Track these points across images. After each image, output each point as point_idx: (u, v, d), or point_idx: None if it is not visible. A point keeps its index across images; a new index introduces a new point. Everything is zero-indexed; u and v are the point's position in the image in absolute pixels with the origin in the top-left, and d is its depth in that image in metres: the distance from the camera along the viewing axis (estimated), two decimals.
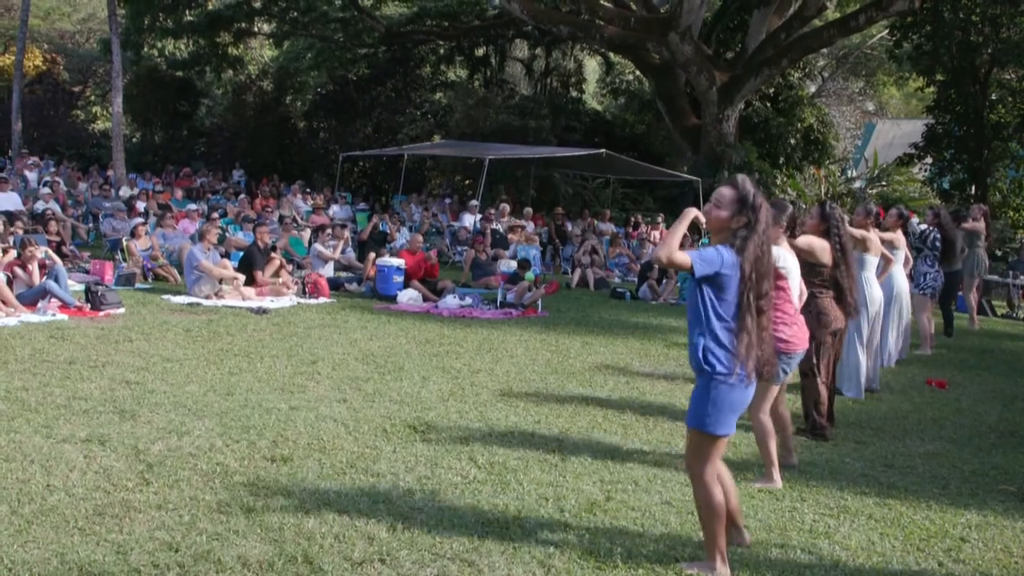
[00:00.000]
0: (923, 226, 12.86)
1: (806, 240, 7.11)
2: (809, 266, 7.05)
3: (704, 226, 4.66)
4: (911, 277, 11.83)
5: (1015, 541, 5.46)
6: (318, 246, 16.51)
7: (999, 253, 23.14)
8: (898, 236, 10.68)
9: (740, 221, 4.49)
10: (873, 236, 9.32)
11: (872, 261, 9.29)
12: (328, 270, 16.29)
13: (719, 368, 4.45)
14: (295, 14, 31.91)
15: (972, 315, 15.72)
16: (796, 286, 6.44)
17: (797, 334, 6.39)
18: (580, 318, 13.97)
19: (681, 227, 4.54)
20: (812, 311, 7.13)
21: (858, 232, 9.02)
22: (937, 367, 11.62)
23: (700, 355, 4.48)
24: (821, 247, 7.19)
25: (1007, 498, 6.30)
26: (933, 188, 28.76)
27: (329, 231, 17.24)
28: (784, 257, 6.32)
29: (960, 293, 15.44)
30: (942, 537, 5.45)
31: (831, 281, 7.29)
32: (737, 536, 5.02)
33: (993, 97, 26.43)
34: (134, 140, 34.18)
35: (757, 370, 4.51)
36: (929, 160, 28.25)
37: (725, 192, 4.57)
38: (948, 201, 27.76)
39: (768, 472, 6.23)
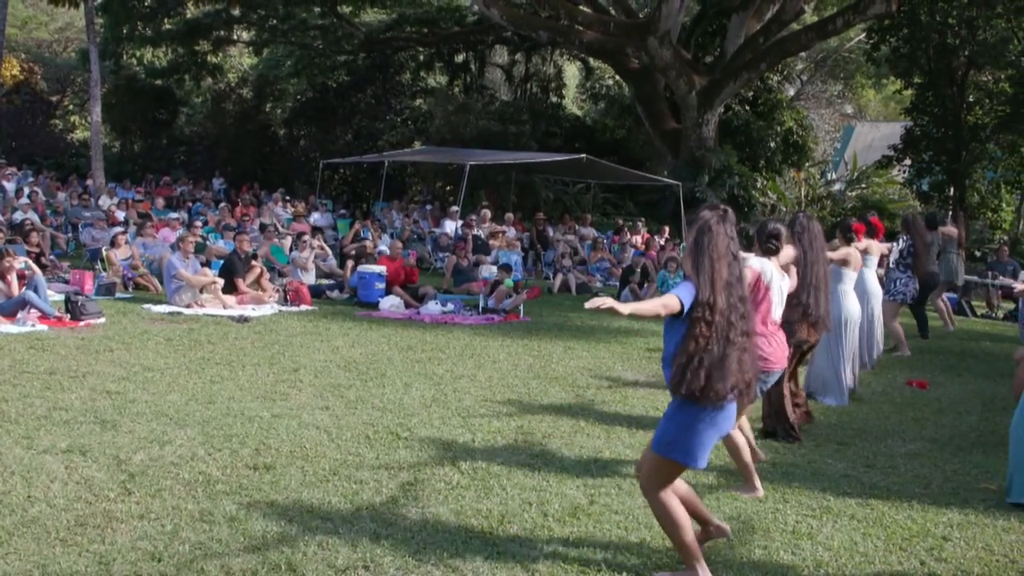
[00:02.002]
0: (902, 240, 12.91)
1: (787, 254, 7.01)
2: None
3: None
4: (882, 283, 12.01)
5: (996, 540, 5.49)
6: (295, 253, 16.52)
7: (978, 254, 23.31)
8: (871, 244, 10.81)
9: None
10: (854, 251, 9.46)
11: (851, 275, 9.40)
12: (310, 277, 16.27)
13: (682, 389, 4.41)
14: (274, 21, 31.86)
15: (943, 318, 15.71)
16: (779, 302, 6.44)
17: (775, 352, 6.39)
18: (562, 323, 13.99)
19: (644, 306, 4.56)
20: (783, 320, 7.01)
21: (839, 254, 9.19)
22: (917, 368, 11.69)
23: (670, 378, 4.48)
24: (788, 255, 6.97)
25: (988, 497, 6.34)
26: (912, 190, 28.99)
27: (306, 238, 17.30)
28: (768, 272, 6.34)
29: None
30: (924, 537, 5.48)
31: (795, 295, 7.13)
32: (716, 531, 5.00)
33: (970, 99, 26.66)
34: (113, 149, 34.01)
35: (739, 392, 4.47)
36: (908, 162, 28.45)
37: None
38: (927, 203, 27.99)
39: (749, 482, 6.14)
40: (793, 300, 7.09)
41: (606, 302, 4.29)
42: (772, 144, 28.59)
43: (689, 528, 4.59)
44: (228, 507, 5.28)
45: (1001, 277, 18.91)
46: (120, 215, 20.27)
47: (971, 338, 15.06)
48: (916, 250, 12.61)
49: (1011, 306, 18.71)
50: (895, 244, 12.71)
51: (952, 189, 27.11)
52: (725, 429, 4.61)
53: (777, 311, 6.41)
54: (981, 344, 14.47)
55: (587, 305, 4.29)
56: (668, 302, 4.36)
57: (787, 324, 6.99)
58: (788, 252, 6.80)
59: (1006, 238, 25.52)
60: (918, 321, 14.17)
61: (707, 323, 4.34)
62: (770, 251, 6.50)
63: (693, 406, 4.43)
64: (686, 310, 4.36)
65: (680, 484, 4.76)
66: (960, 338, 14.90)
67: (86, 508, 5.18)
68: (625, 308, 4.30)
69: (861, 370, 10.20)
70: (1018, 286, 6.49)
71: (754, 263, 6.31)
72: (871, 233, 10.98)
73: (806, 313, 7.33)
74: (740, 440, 6.07)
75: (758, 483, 6.15)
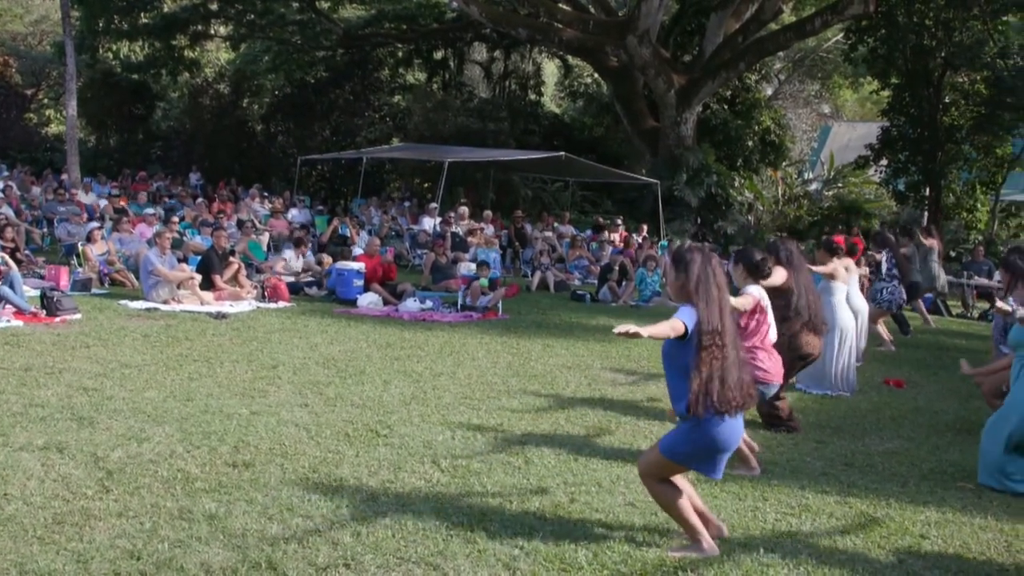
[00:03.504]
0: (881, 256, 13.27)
1: (774, 277, 7.42)
2: (779, 295, 7.46)
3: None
4: (873, 298, 12.81)
5: (973, 538, 5.53)
6: (289, 253, 16.62)
7: (953, 254, 23.47)
8: (851, 264, 11.03)
9: (680, 279, 4.87)
10: (839, 266, 9.84)
11: (840, 288, 9.83)
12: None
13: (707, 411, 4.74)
14: (252, 16, 31.69)
15: (923, 315, 16.08)
16: (773, 322, 7.01)
17: (774, 366, 6.98)
18: (541, 320, 13.99)
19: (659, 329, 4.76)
20: (784, 335, 7.56)
21: (827, 268, 9.67)
22: (895, 366, 11.77)
23: (683, 402, 4.79)
24: (780, 276, 7.54)
25: (965, 495, 6.39)
26: (888, 190, 29.13)
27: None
28: (764, 297, 6.88)
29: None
30: (902, 535, 5.51)
31: (795, 308, 7.73)
32: (715, 531, 5.14)
33: (946, 100, 26.82)
34: (88, 144, 33.76)
35: (746, 402, 4.84)
36: (884, 162, 28.60)
37: (666, 259, 4.96)
38: (903, 203, 28.16)
39: (747, 462, 6.53)
40: (791, 312, 7.68)
41: (631, 328, 4.53)
42: (750, 143, 28.70)
43: (688, 506, 4.93)
44: (207, 505, 5.24)
45: (976, 277, 19.07)
46: (103, 204, 20.16)
47: (947, 336, 15.18)
48: (898, 262, 13.27)
49: (986, 306, 18.93)
50: (882, 260, 13.08)
51: (928, 189, 27.29)
52: (736, 441, 4.94)
53: (773, 331, 7.01)
54: (957, 342, 14.58)
55: (616, 331, 4.55)
56: (676, 326, 4.68)
57: (792, 337, 7.68)
58: (780, 274, 7.45)
59: (981, 238, 25.70)
60: (898, 321, 14.35)
61: (719, 346, 4.72)
62: (764, 276, 7.01)
63: (711, 421, 4.76)
64: (690, 333, 4.70)
65: (685, 485, 5.09)
66: (936, 336, 15.02)
67: (64, 506, 5.14)
68: (645, 331, 4.55)
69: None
70: (999, 304, 6.59)
71: (753, 290, 6.86)
72: (851, 251, 11.37)
73: (808, 320, 7.82)
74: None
75: (755, 462, 6.58)
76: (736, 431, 4.89)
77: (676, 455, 4.88)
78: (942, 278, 16.68)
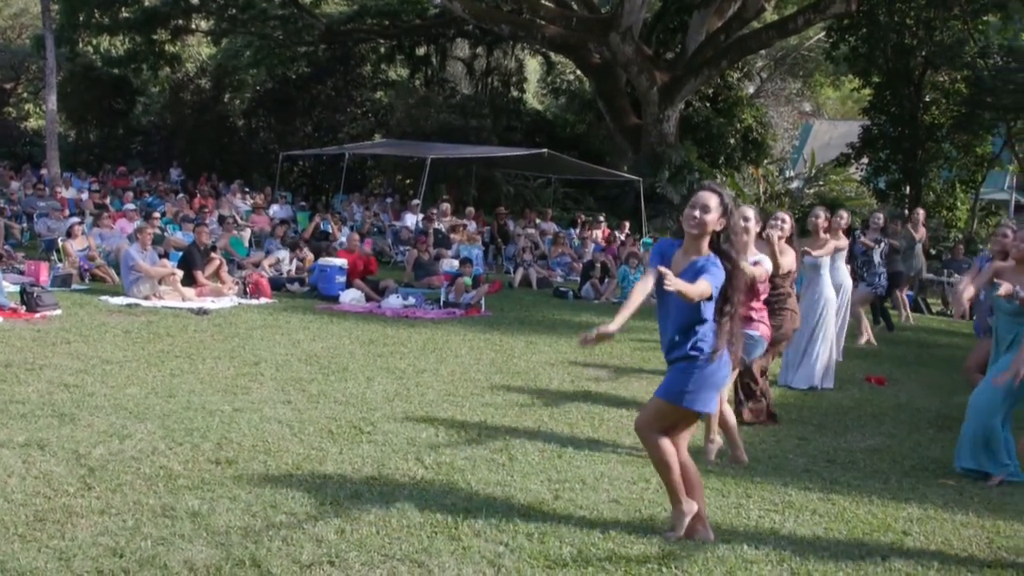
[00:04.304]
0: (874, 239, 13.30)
1: (791, 256, 7.68)
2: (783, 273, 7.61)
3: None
4: (864, 278, 12.96)
5: (955, 534, 5.56)
6: (281, 254, 16.62)
7: (933, 252, 23.59)
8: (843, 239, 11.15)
9: (721, 224, 4.85)
10: (832, 243, 10.13)
11: (827, 262, 10.09)
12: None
13: (707, 350, 4.87)
14: (233, 11, 31.54)
15: (902, 310, 16.15)
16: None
17: (767, 326, 7.14)
18: (523, 317, 13.99)
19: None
20: (788, 309, 7.71)
21: (828, 249, 9.96)
22: (876, 363, 11.83)
23: (690, 343, 4.87)
24: (794, 256, 7.75)
25: (947, 492, 6.42)
26: (869, 188, 29.29)
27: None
28: (767, 260, 6.98)
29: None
30: (885, 531, 5.53)
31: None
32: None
33: (927, 99, 26.98)
34: (68, 138, 33.57)
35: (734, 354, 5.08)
36: (865, 160, 28.74)
37: (710, 198, 4.85)
38: (883, 201, 28.27)
39: (735, 451, 6.76)
40: (782, 290, 7.70)
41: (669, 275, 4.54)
42: (732, 141, 28.80)
43: (677, 469, 5.02)
44: (190, 502, 5.21)
45: (956, 275, 19.17)
46: (85, 198, 20.07)
47: (927, 334, 15.28)
48: (892, 249, 13.57)
49: None
50: (878, 246, 13.10)
51: (908, 188, 27.45)
52: (728, 373, 5.24)
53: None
54: (937, 340, 14.69)
55: (667, 282, 4.51)
56: (704, 291, 4.67)
57: (780, 313, 7.64)
58: (791, 257, 7.71)
59: (961, 237, 25.85)
60: (883, 315, 14.46)
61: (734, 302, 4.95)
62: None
63: (718, 361, 4.91)
64: (715, 296, 4.78)
65: (690, 465, 5.17)
66: (917, 333, 15.10)
67: (45, 503, 5.10)
68: (681, 286, 4.54)
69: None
70: (1004, 287, 6.56)
71: (767, 263, 6.98)
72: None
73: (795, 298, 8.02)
74: (731, 419, 6.77)
75: (743, 453, 6.78)
76: (729, 363, 5.12)
77: (680, 395, 4.91)
78: (923, 268, 16.89)
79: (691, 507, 5.04)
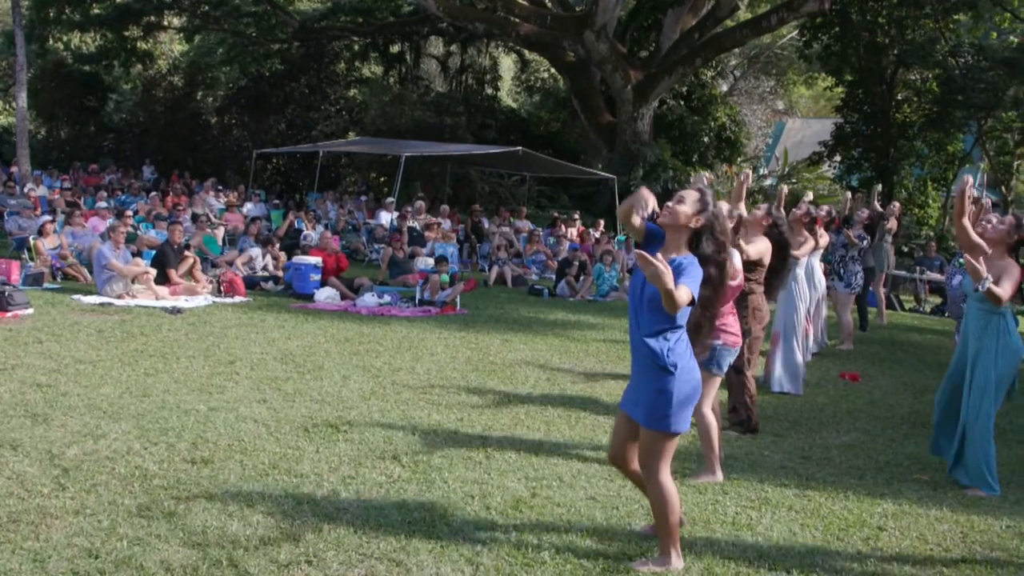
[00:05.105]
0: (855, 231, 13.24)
1: (762, 245, 7.23)
2: (749, 264, 7.16)
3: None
4: (840, 276, 12.63)
5: (930, 530, 5.60)
6: (255, 250, 16.52)
7: (905, 249, 23.79)
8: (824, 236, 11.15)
9: (699, 222, 4.66)
10: (809, 241, 10.07)
11: (804, 260, 10.02)
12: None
13: (680, 364, 4.58)
14: (206, 8, 31.43)
15: (881, 309, 16.17)
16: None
17: (739, 329, 6.60)
18: (499, 315, 13.98)
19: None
20: (748, 306, 7.29)
21: (808, 246, 10.00)
22: (850, 360, 11.91)
23: (663, 353, 4.56)
24: (766, 247, 7.26)
25: (921, 487, 6.48)
26: (842, 185, 29.46)
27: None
28: (738, 257, 6.57)
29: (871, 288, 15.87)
30: (860, 527, 5.57)
31: (765, 278, 7.42)
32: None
33: (899, 97, 27.20)
34: (39, 136, 33.25)
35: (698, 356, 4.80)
36: (838, 158, 28.92)
37: (689, 193, 4.70)
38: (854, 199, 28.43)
39: (710, 466, 6.31)
40: (760, 281, 7.40)
41: (661, 263, 4.27)
42: (705, 139, 28.89)
43: (679, 517, 4.77)
44: (166, 502, 5.18)
45: (928, 272, 19.33)
46: (56, 197, 19.91)
47: (900, 331, 15.38)
48: (872, 244, 13.39)
49: (938, 300, 19.22)
50: (861, 243, 12.96)
51: (880, 185, 27.61)
52: (699, 383, 4.79)
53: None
54: (910, 337, 14.79)
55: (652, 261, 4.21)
56: (683, 298, 4.37)
57: (756, 309, 7.38)
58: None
59: (932, 234, 26.06)
60: (860, 313, 14.46)
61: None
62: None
63: (693, 361, 4.68)
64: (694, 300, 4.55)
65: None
66: (890, 331, 15.21)
67: (19, 504, 5.05)
68: (669, 283, 4.25)
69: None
70: (987, 281, 6.25)
71: (737, 261, 6.48)
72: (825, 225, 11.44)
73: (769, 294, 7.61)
74: (713, 424, 6.29)
75: (719, 469, 6.34)
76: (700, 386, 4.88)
77: (664, 420, 4.59)
78: (892, 261, 16.83)
79: (679, 563, 4.74)
